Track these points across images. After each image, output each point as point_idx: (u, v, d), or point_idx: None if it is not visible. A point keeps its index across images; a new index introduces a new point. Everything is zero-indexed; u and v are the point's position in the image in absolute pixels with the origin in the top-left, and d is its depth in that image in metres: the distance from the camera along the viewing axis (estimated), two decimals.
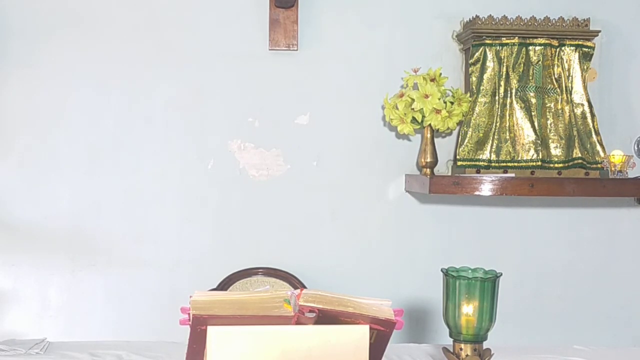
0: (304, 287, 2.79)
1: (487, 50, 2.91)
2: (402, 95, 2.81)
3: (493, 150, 2.91)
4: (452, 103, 2.81)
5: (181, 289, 2.69)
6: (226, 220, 3.01)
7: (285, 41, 2.96)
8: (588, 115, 2.94)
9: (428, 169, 2.83)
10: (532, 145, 2.90)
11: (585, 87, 2.95)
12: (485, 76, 2.92)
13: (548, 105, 2.93)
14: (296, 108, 3.03)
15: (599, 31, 2.98)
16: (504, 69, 2.91)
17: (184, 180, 3.00)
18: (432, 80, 2.80)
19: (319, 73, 3.03)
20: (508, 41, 2.90)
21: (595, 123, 2.94)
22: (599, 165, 2.91)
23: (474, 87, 2.93)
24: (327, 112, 3.03)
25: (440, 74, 2.82)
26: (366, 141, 3.04)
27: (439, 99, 2.76)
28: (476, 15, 2.91)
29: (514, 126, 2.91)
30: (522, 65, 2.92)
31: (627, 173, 2.84)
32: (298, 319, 1.45)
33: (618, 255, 3.16)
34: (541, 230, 3.13)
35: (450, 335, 1.67)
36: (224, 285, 2.90)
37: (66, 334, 2.82)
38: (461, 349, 1.64)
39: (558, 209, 3.13)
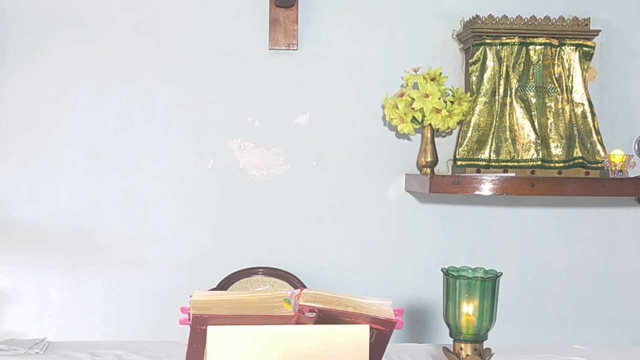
0: (304, 286, 2.79)
1: (487, 49, 2.91)
2: (402, 95, 2.81)
3: (493, 149, 2.91)
4: (452, 102, 2.81)
5: (181, 288, 2.68)
6: (226, 220, 3.01)
7: (285, 41, 2.96)
8: (588, 114, 2.94)
9: (428, 169, 2.83)
10: (532, 144, 2.89)
11: (585, 87, 2.95)
12: (486, 76, 2.92)
13: (548, 104, 2.93)
14: (296, 108, 3.03)
15: (599, 31, 2.98)
16: (504, 69, 2.91)
17: (184, 180, 3.00)
18: (432, 79, 2.79)
19: (319, 73, 3.03)
20: (508, 41, 2.90)
21: (595, 122, 2.94)
22: (599, 165, 2.91)
23: (474, 86, 2.93)
24: (327, 112, 3.03)
25: (441, 73, 2.82)
26: (366, 141, 3.04)
27: (439, 99, 2.76)
28: (476, 15, 2.91)
29: (514, 126, 2.91)
30: (522, 64, 2.92)
31: (627, 172, 2.84)
32: (298, 319, 1.44)
33: (618, 255, 3.16)
34: (541, 230, 3.13)
35: (451, 335, 1.67)
36: (224, 285, 2.90)
37: (66, 333, 2.82)
38: (461, 349, 1.64)
39: (558, 208, 3.13)
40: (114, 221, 2.97)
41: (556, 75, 2.93)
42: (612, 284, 3.15)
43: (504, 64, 2.91)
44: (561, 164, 2.91)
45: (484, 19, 2.90)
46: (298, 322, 1.45)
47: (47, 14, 2.93)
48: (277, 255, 3.00)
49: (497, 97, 2.91)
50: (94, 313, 2.98)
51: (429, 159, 2.83)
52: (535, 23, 2.91)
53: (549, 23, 2.92)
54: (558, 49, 2.93)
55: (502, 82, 2.91)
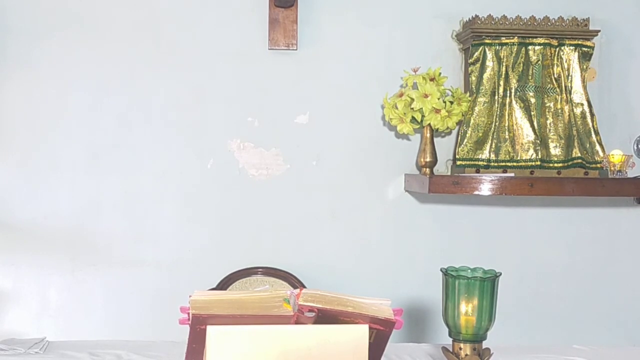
0: (304, 286, 2.79)
1: (487, 49, 2.91)
2: (401, 95, 2.81)
3: (492, 149, 2.91)
4: (451, 103, 2.81)
5: (181, 288, 2.69)
6: (226, 220, 3.02)
7: (284, 41, 2.97)
8: (587, 114, 2.95)
9: (427, 169, 2.84)
10: (531, 145, 2.90)
11: (584, 87, 2.95)
12: (485, 76, 2.92)
13: (547, 104, 2.93)
14: (296, 108, 3.03)
15: (599, 31, 2.98)
16: (504, 69, 2.91)
17: (184, 180, 3.00)
18: (432, 79, 2.80)
19: (318, 73, 3.03)
20: (507, 41, 2.91)
21: (594, 123, 2.94)
22: (598, 165, 2.91)
23: (473, 86, 2.94)
24: (327, 111, 3.03)
25: (440, 73, 2.82)
26: (366, 141, 3.05)
27: (439, 99, 2.76)
28: (476, 15, 2.92)
29: (513, 126, 2.91)
30: (521, 64, 2.92)
31: (626, 173, 2.85)
32: (297, 319, 1.45)
33: (618, 255, 3.16)
34: (541, 230, 3.13)
35: (450, 335, 1.67)
36: (224, 284, 2.90)
37: (66, 333, 2.82)
38: (460, 349, 1.64)
39: (558, 208, 3.13)
40: (113, 221, 2.98)
41: (555, 76, 2.93)
42: (611, 284, 3.15)
43: (504, 64, 2.91)
44: (560, 164, 2.91)
45: (483, 19, 2.91)
46: (297, 322, 1.45)
47: (47, 14, 2.93)
48: (277, 255, 3.00)
49: (496, 97, 2.91)
50: (94, 313, 2.98)
51: (428, 159, 2.83)
52: (535, 23, 2.92)
53: (548, 23, 2.92)
54: (557, 49, 2.93)
55: (501, 82, 2.91)
